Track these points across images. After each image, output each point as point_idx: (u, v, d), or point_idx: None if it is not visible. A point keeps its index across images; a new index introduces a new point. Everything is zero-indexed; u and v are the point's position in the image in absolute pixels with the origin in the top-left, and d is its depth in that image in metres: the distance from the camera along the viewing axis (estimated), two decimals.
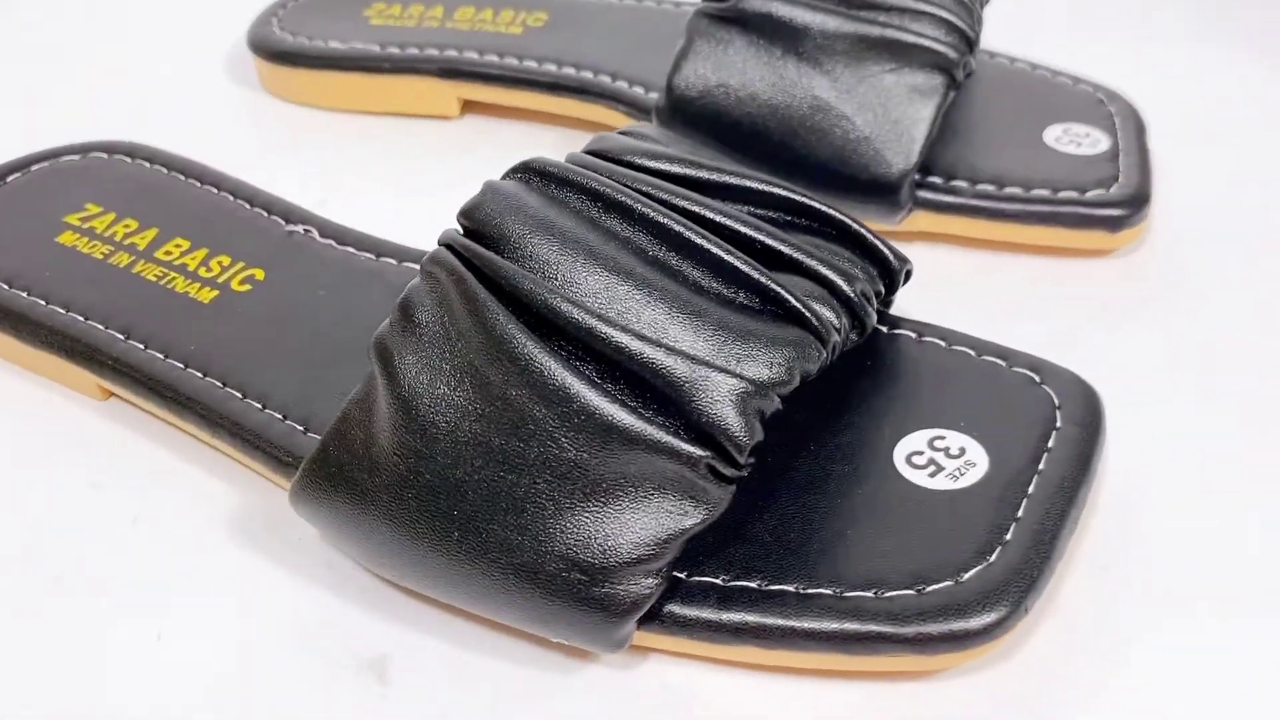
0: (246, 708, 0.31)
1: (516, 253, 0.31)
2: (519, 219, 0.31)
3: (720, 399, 0.29)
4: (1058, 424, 0.34)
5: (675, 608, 0.30)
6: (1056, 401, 0.34)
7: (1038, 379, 0.35)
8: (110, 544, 0.35)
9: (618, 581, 0.29)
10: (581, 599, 0.29)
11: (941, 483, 0.32)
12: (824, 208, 0.35)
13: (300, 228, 0.43)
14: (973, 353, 0.36)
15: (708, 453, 0.29)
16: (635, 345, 0.29)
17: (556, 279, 0.30)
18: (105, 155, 0.46)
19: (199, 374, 0.37)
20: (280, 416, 0.36)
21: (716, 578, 0.30)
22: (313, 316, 0.39)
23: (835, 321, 0.32)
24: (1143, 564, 0.33)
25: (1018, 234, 0.44)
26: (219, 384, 0.37)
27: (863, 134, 0.42)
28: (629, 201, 0.32)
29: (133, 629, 0.33)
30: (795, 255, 0.33)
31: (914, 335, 0.37)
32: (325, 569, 0.34)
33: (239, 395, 0.36)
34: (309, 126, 0.53)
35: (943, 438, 0.34)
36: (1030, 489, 0.32)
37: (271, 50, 0.54)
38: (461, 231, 0.32)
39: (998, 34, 0.53)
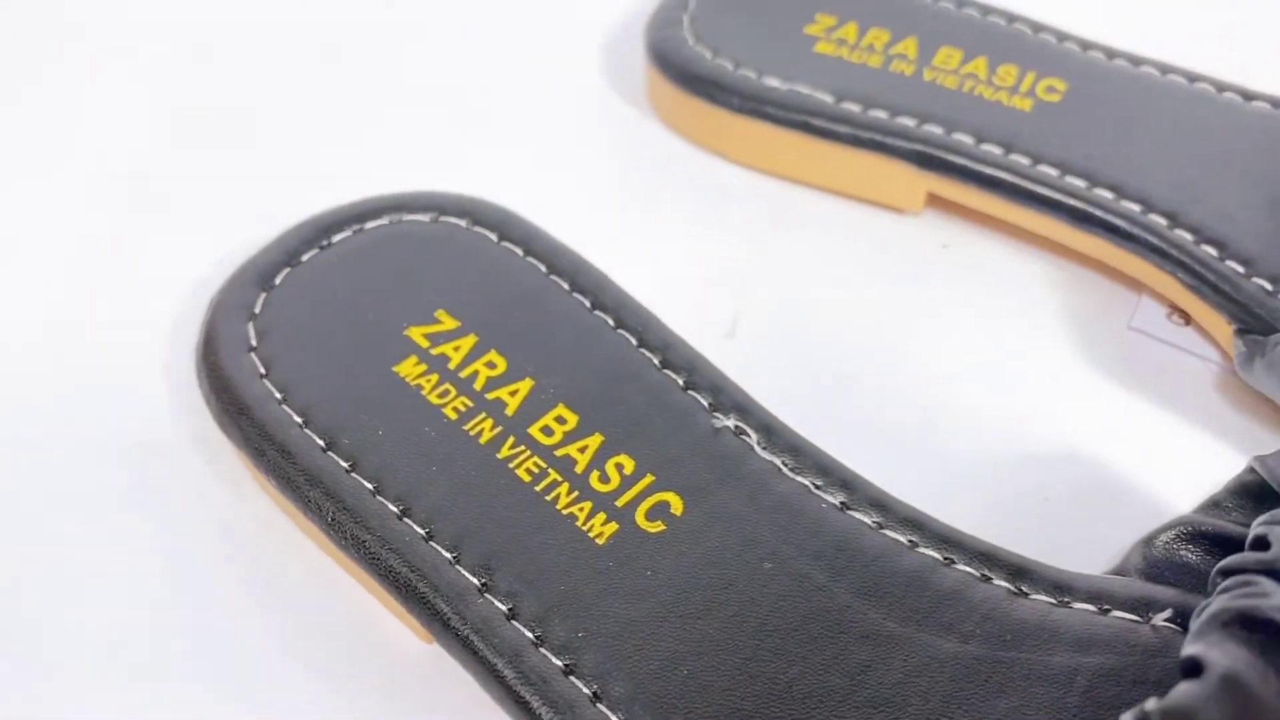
0: None
1: None
2: None
3: None
4: None
5: None
6: None
7: None
8: None
9: None
10: None
11: None
12: None
13: (731, 422, 0.29)
14: None
15: None
16: None
17: None
18: (465, 222, 0.33)
19: (587, 691, 0.25)
20: None
21: None
22: (752, 610, 0.26)
23: None
24: None
25: None
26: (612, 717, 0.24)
27: None
28: None
29: None
30: None
31: None
32: None
33: None
34: (711, 181, 0.39)
35: None
36: None
37: (681, 69, 0.39)
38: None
39: None
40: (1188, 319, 0.35)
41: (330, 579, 0.29)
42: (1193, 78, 0.39)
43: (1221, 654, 0.19)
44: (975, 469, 0.32)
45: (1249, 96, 0.38)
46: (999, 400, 0.34)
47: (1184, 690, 0.18)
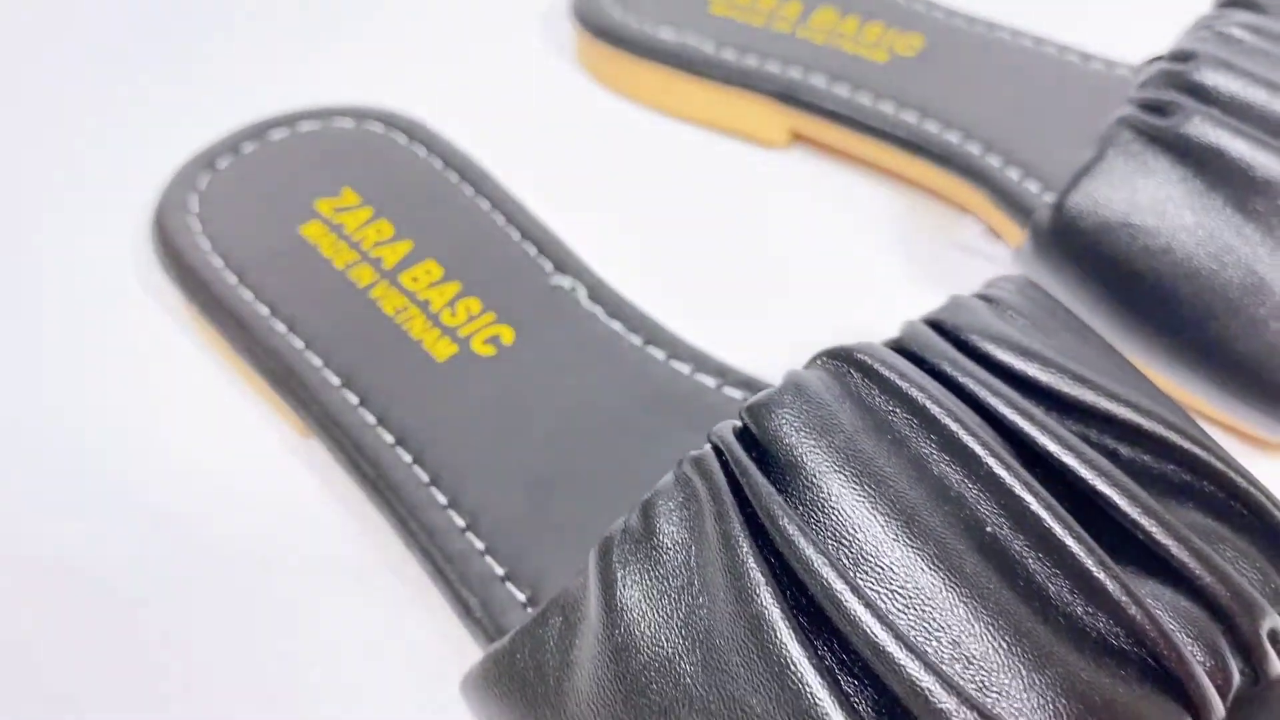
0: None
1: (808, 495, 0.23)
2: (821, 446, 0.23)
3: None
4: None
5: None
6: None
7: None
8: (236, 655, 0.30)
9: None
10: None
11: None
12: (1238, 478, 0.25)
13: (567, 281, 0.36)
14: None
15: None
16: (940, 697, 0.20)
17: (851, 550, 0.22)
18: (381, 128, 0.41)
19: (407, 457, 0.31)
20: (482, 548, 0.29)
21: None
22: (554, 410, 0.32)
23: (1223, 681, 0.23)
24: None
25: None
26: (426, 478, 0.31)
27: None
28: (976, 449, 0.23)
29: None
30: (1189, 564, 0.23)
31: None
32: None
33: (443, 501, 0.30)
34: (613, 120, 0.46)
35: None
36: None
37: (596, 23, 0.46)
38: (740, 426, 0.24)
39: None
40: (1000, 238, 0.41)
41: (236, 383, 0.36)
42: (1039, 41, 0.44)
43: (807, 374, 0.24)
44: (786, 335, 0.37)
45: (1087, 58, 0.44)
46: (822, 294, 0.39)
47: (764, 391, 0.24)
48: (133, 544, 0.32)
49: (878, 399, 0.24)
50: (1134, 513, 0.24)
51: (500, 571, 0.29)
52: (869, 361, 0.24)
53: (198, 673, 0.30)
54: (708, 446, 0.24)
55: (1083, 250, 0.34)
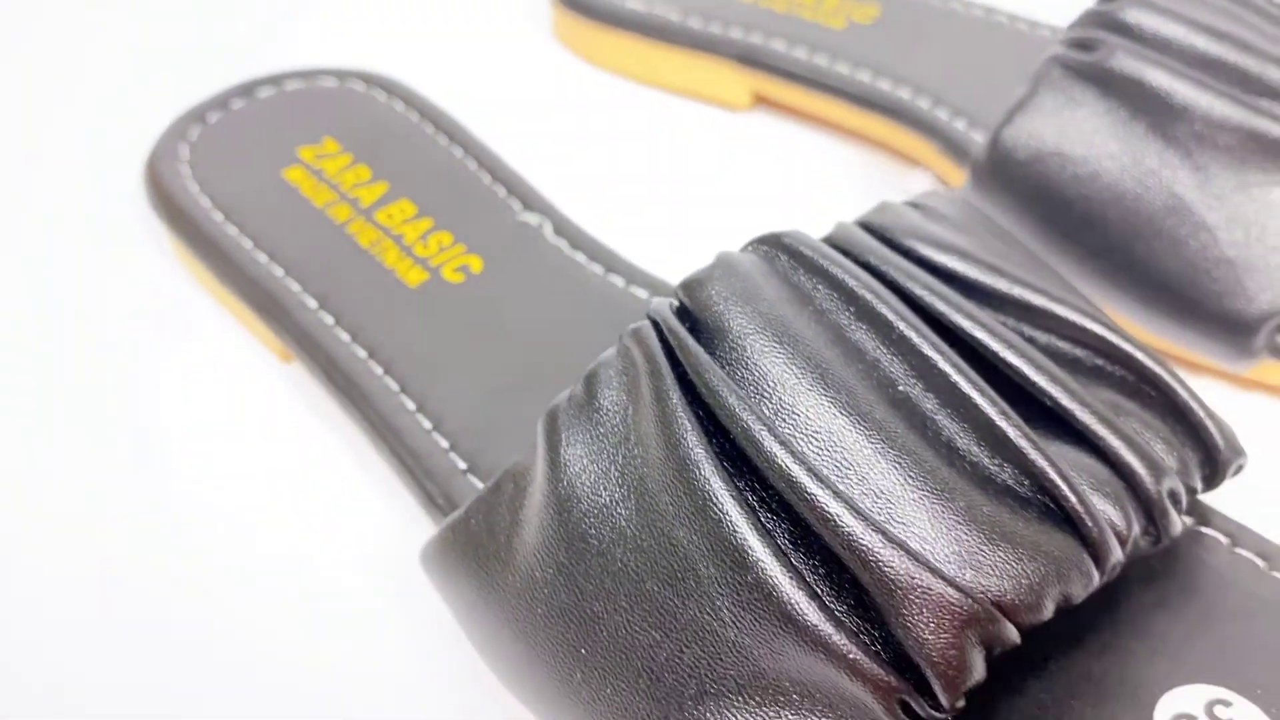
0: None
1: (733, 355, 0.25)
2: (746, 312, 0.25)
3: (938, 619, 0.22)
4: None
5: None
6: None
7: None
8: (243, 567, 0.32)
9: None
10: None
11: None
12: (1147, 360, 0.27)
13: (534, 218, 0.38)
14: None
15: (904, 683, 0.22)
16: (848, 521, 0.22)
17: (771, 402, 0.24)
18: (362, 86, 0.43)
19: (379, 370, 0.33)
20: (446, 446, 0.31)
21: None
22: (518, 329, 0.34)
23: (1123, 528, 0.25)
24: None
25: None
26: (395, 387, 0.33)
27: (1225, 254, 0.33)
28: (889, 316, 0.25)
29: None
30: (1092, 425, 0.25)
31: (1225, 541, 0.29)
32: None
33: (411, 407, 0.32)
34: (585, 88, 0.48)
35: (1228, 704, 0.26)
36: None
37: None
38: (677, 305, 0.26)
39: None
40: (949, 186, 0.43)
41: (221, 313, 0.38)
42: (990, 10, 0.47)
43: (739, 255, 0.26)
44: None
45: (1034, 25, 0.46)
46: None
47: (698, 269, 0.26)
48: (126, 464, 0.34)
49: (802, 278, 0.26)
50: (1041, 381, 0.25)
51: (462, 466, 0.31)
52: (796, 245, 0.26)
53: (192, 562, 0.32)
54: (646, 320, 0.26)
55: (1018, 180, 0.36)
